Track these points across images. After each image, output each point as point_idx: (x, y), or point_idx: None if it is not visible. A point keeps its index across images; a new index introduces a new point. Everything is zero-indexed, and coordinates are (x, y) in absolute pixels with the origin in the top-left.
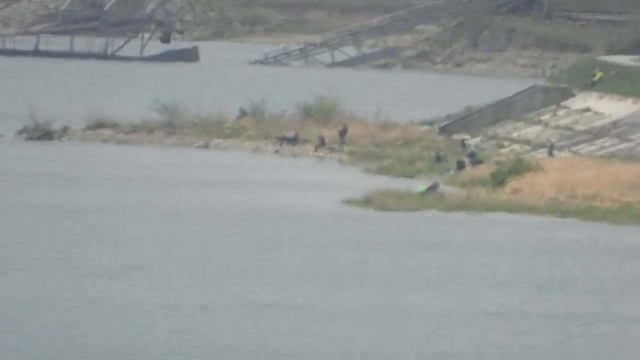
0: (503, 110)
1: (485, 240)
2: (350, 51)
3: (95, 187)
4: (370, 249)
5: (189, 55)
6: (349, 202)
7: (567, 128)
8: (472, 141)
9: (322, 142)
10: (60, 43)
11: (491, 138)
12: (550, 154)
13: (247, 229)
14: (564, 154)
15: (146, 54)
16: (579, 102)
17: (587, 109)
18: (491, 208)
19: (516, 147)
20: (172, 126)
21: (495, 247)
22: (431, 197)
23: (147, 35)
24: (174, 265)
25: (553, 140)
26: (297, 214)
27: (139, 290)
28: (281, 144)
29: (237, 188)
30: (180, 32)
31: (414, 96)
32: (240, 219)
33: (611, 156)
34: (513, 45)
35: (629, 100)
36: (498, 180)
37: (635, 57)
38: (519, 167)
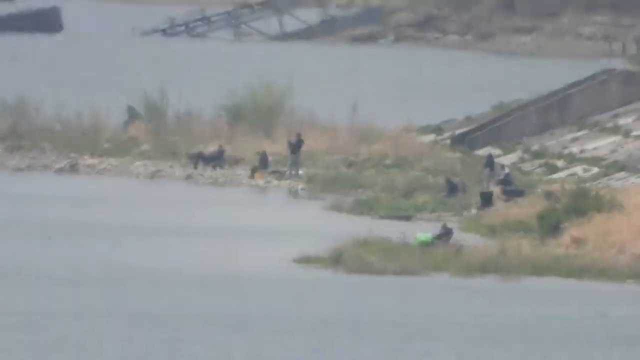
0: (555, 110)
1: (526, 323)
2: (309, 15)
3: None
4: (337, 338)
5: (46, 21)
6: (305, 260)
7: None
8: (506, 160)
9: (263, 163)
10: None
11: (537, 155)
12: None
13: (135, 305)
14: None
15: None
16: None
17: None
18: (538, 270)
19: (578, 169)
20: (17, 136)
21: (540, 335)
22: (441, 252)
23: None
24: None
25: None
26: (218, 281)
27: None
28: (195, 166)
29: (122, 238)
30: None
31: (413, 87)
32: (123, 290)
33: None
34: (573, 6)
35: None
36: (549, 224)
37: None
38: (584, 204)
